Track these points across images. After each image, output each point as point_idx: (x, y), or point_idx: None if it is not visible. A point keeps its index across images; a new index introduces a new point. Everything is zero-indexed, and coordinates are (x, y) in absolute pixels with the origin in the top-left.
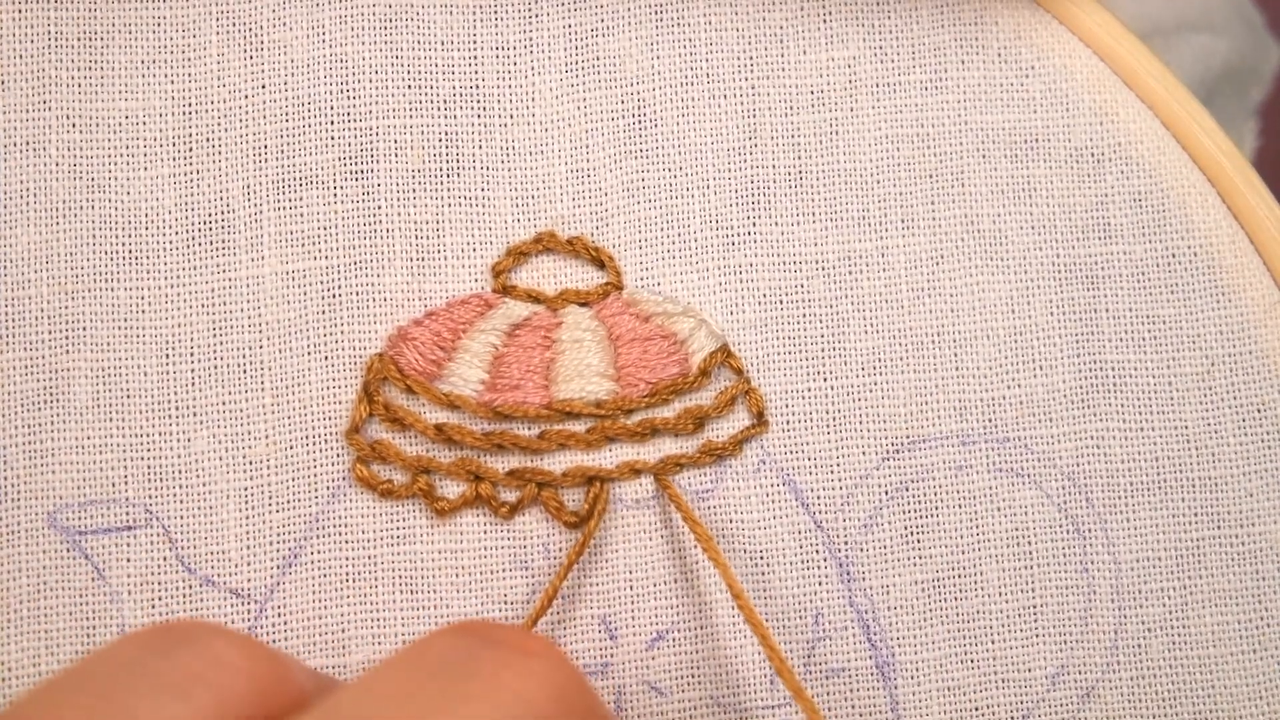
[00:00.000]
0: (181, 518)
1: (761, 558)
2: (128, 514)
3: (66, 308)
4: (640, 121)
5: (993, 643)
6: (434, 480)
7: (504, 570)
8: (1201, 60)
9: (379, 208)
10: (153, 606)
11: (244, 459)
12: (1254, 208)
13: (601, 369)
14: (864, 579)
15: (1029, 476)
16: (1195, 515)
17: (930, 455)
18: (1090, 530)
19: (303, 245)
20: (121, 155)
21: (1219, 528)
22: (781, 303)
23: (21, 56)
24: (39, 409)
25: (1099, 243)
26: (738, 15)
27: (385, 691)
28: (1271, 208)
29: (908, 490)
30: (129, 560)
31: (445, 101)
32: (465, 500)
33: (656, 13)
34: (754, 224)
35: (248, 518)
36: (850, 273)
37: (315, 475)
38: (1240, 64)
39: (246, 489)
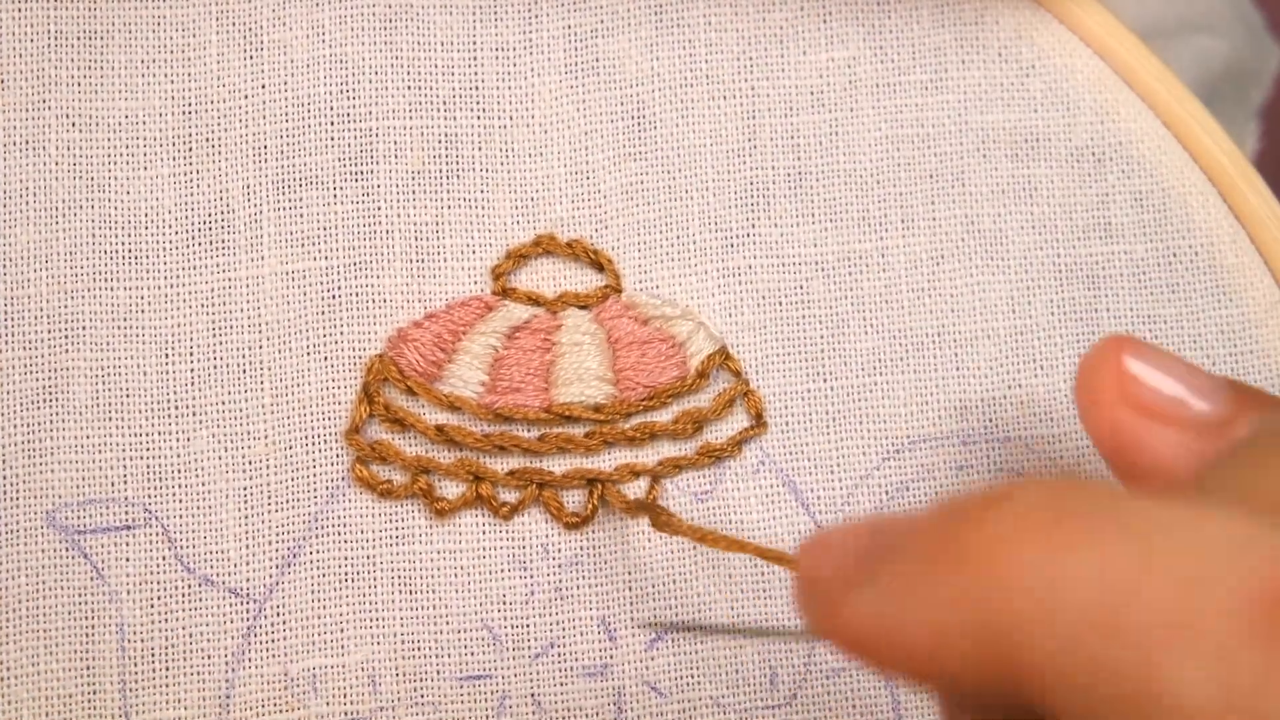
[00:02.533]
0: (181, 517)
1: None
2: (127, 513)
3: (66, 307)
4: (640, 123)
5: None
6: (434, 481)
7: (503, 571)
8: (1202, 61)
9: (379, 209)
10: (151, 606)
11: (243, 459)
12: (1255, 207)
13: (600, 372)
14: None
15: (1031, 476)
16: None
17: (931, 455)
18: None
19: (303, 246)
20: (121, 155)
21: None
22: (781, 304)
23: (21, 56)
24: (38, 408)
25: (1100, 242)
26: (737, 16)
27: None
28: (1273, 208)
29: (909, 490)
30: (128, 560)
31: (445, 102)
32: (465, 501)
33: (656, 14)
34: (753, 225)
35: (247, 517)
36: (850, 273)
37: (314, 475)
38: (1240, 65)
39: (246, 489)
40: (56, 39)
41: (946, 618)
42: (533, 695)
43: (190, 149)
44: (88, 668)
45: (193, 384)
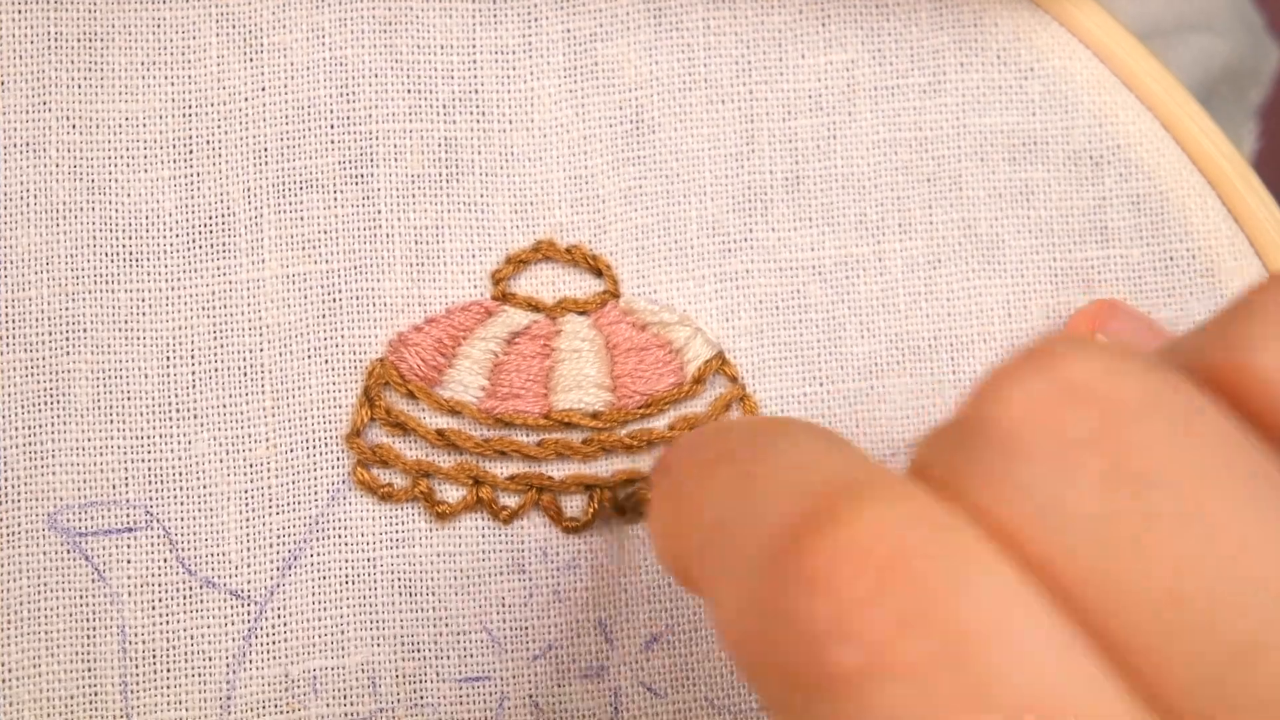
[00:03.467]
0: (182, 519)
1: None
2: (128, 515)
3: (67, 309)
4: (638, 127)
5: None
6: (434, 484)
7: (503, 574)
8: (1201, 61)
9: (379, 212)
10: (153, 608)
11: (244, 461)
12: (1254, 210)
13: (598, 379)
14: None
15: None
16: None
17: None
18: None
19: (303, 249)
20: (122, 157)
21: None
22: (778, 308)
23: (21, 57)
24: (39, 410)
25: (1096, 246)
26: (736, 19)
27: None
28: (1271, 210)
29: None
30: (129, 562)
31: (445, 106)
32: (466, 504)
33: (655, 17)
34: (751, 230)
35: (248, 520)
36: (847, 277)
37: (315, 478)
38: (1240, 65)
39: (247, 491)
40: (56, 41)
41: (657, 527)
42: (531, 696)
43: (191, 151)
44: (89, 669)
45: (193, 386)
